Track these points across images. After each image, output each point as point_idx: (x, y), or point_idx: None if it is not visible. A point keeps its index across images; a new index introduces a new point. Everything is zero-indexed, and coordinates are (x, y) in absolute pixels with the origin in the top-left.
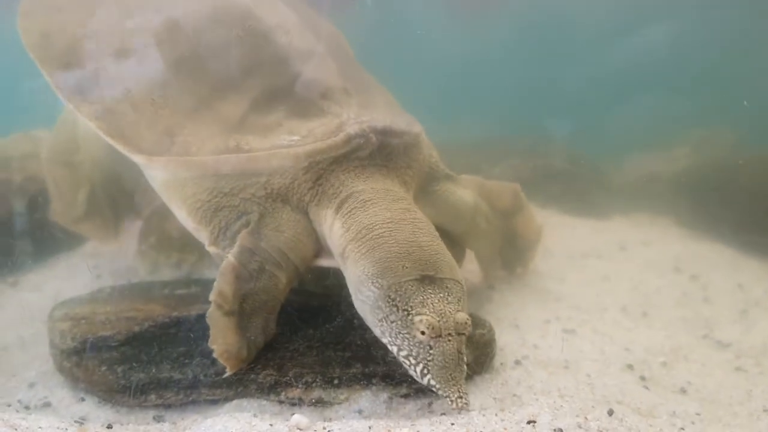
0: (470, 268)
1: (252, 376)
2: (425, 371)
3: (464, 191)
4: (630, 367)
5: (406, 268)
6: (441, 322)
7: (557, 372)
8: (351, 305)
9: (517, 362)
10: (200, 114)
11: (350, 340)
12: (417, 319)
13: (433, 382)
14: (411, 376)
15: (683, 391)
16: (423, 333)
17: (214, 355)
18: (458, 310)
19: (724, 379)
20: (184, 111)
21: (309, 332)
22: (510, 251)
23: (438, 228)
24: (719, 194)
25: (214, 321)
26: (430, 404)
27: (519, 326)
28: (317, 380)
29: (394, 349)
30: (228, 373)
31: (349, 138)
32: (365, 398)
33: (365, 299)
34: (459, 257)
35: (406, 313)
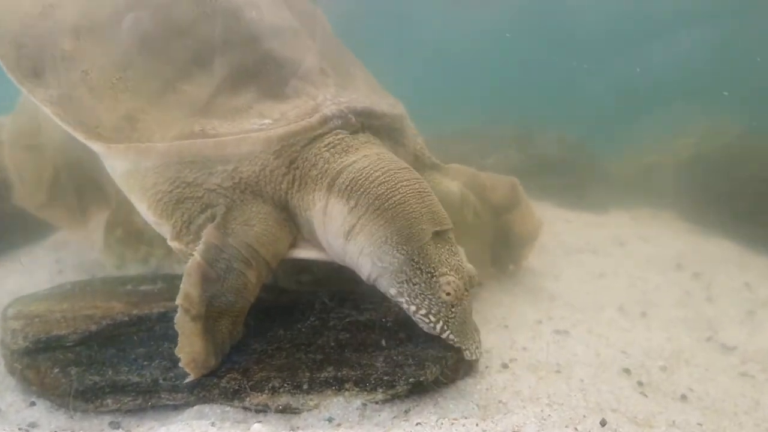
0: None
1: (215, 380)
2: (445, 327)
3: (450, 182)
4: (627, 371)
5: (423, 230)
6: (462, 280)
7: (548, 377)
8: (324, 304)
9: (504, 365)
10: (163, 97)
11: (323, 341)
12: (443, 280)
13: (452, 337)
14: (387, 381)
15: (684, 398)
16: (448, 294)
17: (181, 364)
18: (466, 262)
19: (728, 385)
20: (147, 94)
21: (279, 332)
22: (502, 248)
23: None
24: (725, 186)
25: (181, 326)
26: (406, 412)
27: (508, 326)
28: (285, 385)
29: (412, 309)
30: (190, 378)
31: (325, 119)
32: (336, 405)
33: (387, 266)
34: None
35: (430, 275)
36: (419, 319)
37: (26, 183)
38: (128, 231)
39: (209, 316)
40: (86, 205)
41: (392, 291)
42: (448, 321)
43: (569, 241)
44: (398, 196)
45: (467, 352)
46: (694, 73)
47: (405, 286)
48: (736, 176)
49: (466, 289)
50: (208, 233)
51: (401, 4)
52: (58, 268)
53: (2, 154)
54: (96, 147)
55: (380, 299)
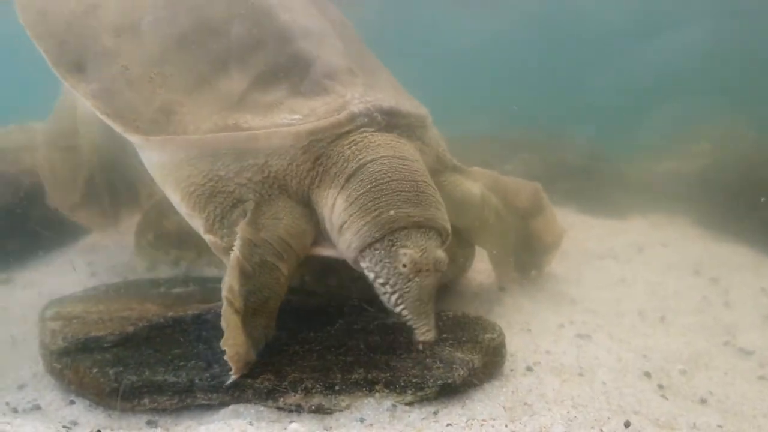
0: (480, 268)
1: (249, 380)
2: (399, 301)
3: (472, 184)
4: (647, 375)
5: (405, 214)
6: (422, 257)
7: (571, 380)
8: (353, 306)
9: (529, 369)
10: (199, 92)
11: (352, 344)
12: (401, 251)
13: (405, 312)
14: (416, 383)
15: (704, 401)
16: (405, 266)
17: (226, 357)
18: (438, 247)
19: (747, 389)
20: (183, 88)
21: (309, 335)
22: (525, 253)
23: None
24: (741, 192)
25: (227, 319)
26: (435, 413)
27: (531, 331)
28: (317, 386)
29: (371, 275)
30: (233, 377)
31: (353, 116)
32: (367, 405)
33: (359, 236)
34: (468, 255)
35: (390, 243)
36: (378, 287)
37: (60, 184)
38: (159, 234)
39: (246, 312)
40: (118, 207)
41: (359, 260)
42: (402, 294)
43: (590, 247)
44: (388, 198)
45: (417, 331)
46: (706, 72)
47: (368, 251)
48: (752, 183)
49: (427, 269)
50: (242, 229)
51: (418, 9)
52: (91, 271)
53: (36, 158)
54: (134, 139)
55: None
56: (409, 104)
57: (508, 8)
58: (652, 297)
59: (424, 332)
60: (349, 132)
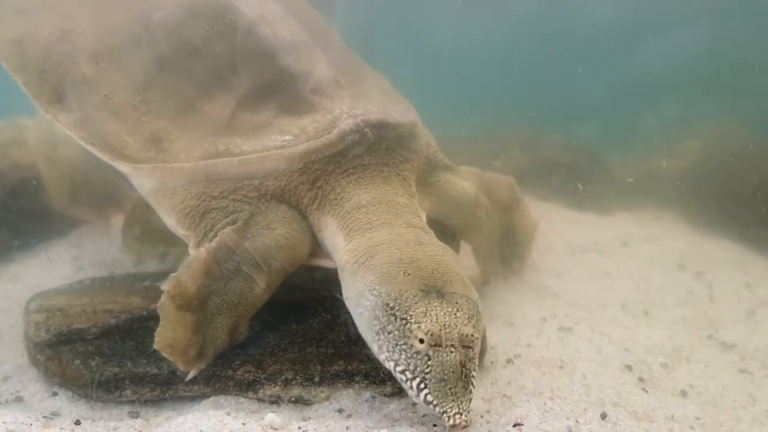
0: (464, 263)
1: (230, 372)
2: (422, 386)
3: (465, 183)
4: (628, 367)
5: (408, 275)
6: (443, 331)
7: (551, 372)
8: (336, 300)
9: (509, 361)
10: (185, 117)
11: (333, 336)
12: (415, 326)
13: (429, 398)
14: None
15: (684, 393)
16: (421, 341)
17: (155, 345)
18: (465, 324)
19: (727, 381)
20: (169, 115)
21: (291, 327)
22: (507, 246)
23: (436, 220)
24: (728, 188)
25: (164, 312)
26: (414, 404)
27: (513, 324)
28: (297, 378)
29: (391, 365)
30: (191, 374)
31: (344, 135)
32: (347, 397)
33: (363, 310)
34: (454, 249)
35: (404, 321)
36: (399, 378)
37: (50, 186)
38: (146, 229)
39: (205, 311)
40: (105, 210)
41: (374, 348)
42: (424, 377)
43: (574, 241)
44: (386, 243)
45: (445, 416)
46: (695, 71)
47: (382, 337)
48: (738, 180)
49: (453, 345)
50: (224, 234)
51: (406, 6)
52: (78, 265)
53: (27, 153)
54: (122, 168)
55: None
56: (397, 112)
57: (502, 7)
58: (635, 290)
59: (452, 415)
60: (341, 152)
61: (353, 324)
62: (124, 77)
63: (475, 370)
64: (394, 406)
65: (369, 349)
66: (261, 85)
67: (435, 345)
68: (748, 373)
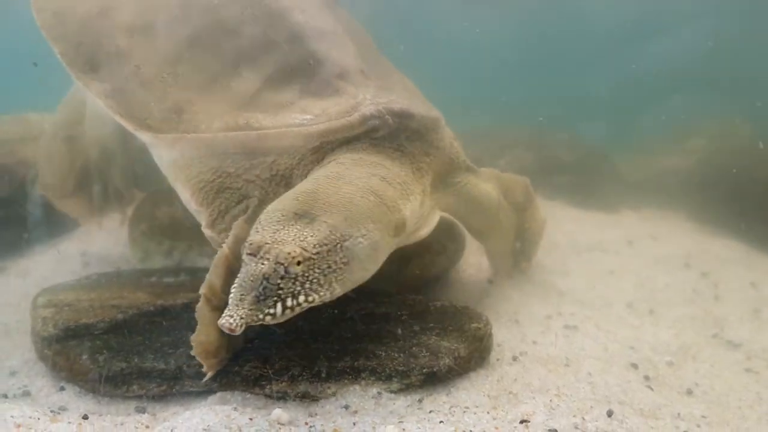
0: (470, 261)
1: (236, 368)
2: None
3: (488, 185)
4: (634, 366)
5: (297, 200)
6: (265, 245)
7: (557, 369)
8: (343, 296)
9: (515, 358)
10: (211, 90)
11: (339, 333)
12: (252, 233)
13: (229, 297)
14: (402, 372)
15: (689, 392)
16: (247, 248)
17: (193, 352)
18: (294, 245)
19: (733, 380)
20: (195, 87)
21: (298, 323)
22: (518, 246)
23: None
24: (733, 187)
25: (201, 316)
26: (420, 401)
27: (519, 321)
28: (304, 374)
29: None
30: (209, 375)
31: (365, 118)
32: (353, 393)
33: None
34: (458, 248)
35: (254, 230)
36: None
37: (56, 171)
38: (152, 225)
39: None
40: (105, 202)
41: None
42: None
43: (580, 240)
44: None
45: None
46: (706, 69)
47: None
48: (743, 179)
49: (267, 259)
50: (237, 226)
51: (416, 4)
52: (85, 261)
53: (34, 146)
54: (145, 137)
55: (396, 293)
56: (422, 107)
57: (509, 4)
58: (641, 289)
59: (225, 316)
60: (358, 135)
61: (361, 320)
62: (155, 50)
63: (290, 291)
64: (400, 402)
65: (376, 346)
66: (288, 67)
67: (250, 254)
68: (753, 372)
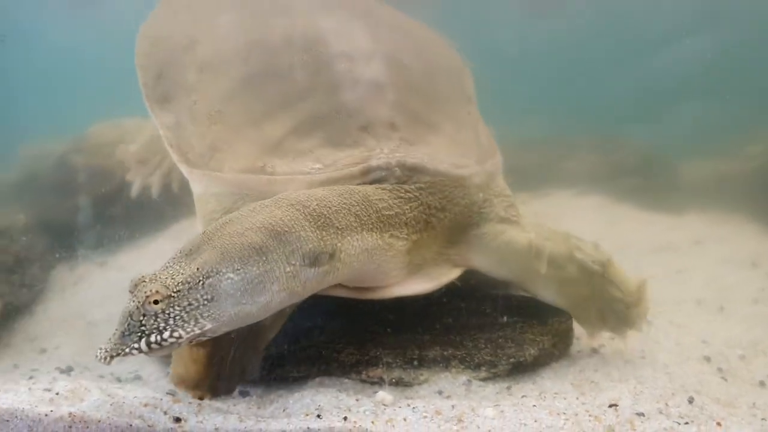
0: None
1: (334, 354)
2: None
3: (517, 233)
4: (707, 359)
5: (204, 235)
6: (140, 284)
7: (634, 361)
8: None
9: (594, 350)
10: (246, 132)
11: (428, 324)
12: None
13: None
14: (489, 361)
15: (762, 384)
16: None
17: (170, 381)
18: (157, 283)
19: None
20: (234, 127)
21: (388, 317)
22: (608, 309)
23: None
24: None
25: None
26: (508, 388)
27: None
28: (397, 361)
29: None
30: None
31: (367, 170)
32: (444, 380)
33: None
34: None
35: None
36: None
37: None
38: None
39: (220, 345)
40: None
41: None
42: None
43: (648, 240)
44: None
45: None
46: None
47: None
48: None
49: (136, 296)
50: None
51: (475, 10)
52: None
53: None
54: (183, 169)
55: (478, 288)
56: (450, 162)
57: (566, 12)
58: (710, 287)
59: (98, 349)
60: (364, 185)
61: (448, 313)
62: (215, 88)
63: (153, 327)
64: (489, 389)
65: (464, 336)
66: (318, 115)
67: (130, 291)
68: None
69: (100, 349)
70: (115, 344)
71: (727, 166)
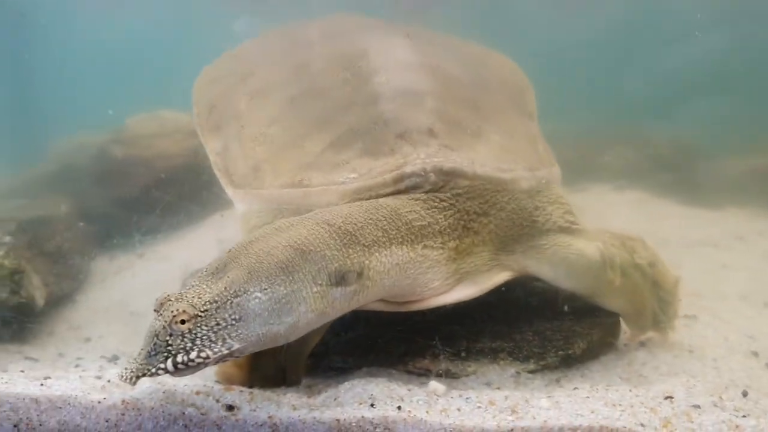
0: None
1: (381, 344)
2: None
3: (585, 244)
4: (755, 354)
5: (229, 251)
6: (165, 302)
7: (682, 355)
8: None
9: (641, 344)
10: (288, 151)
11: (476, 316)
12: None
13: None
14: (538, 353)
15: None
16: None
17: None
18: (185, 302)
19: None
20: (276, 148)
21: (435, 309)
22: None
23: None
24: None
25: None
26: (557, 380)
27: None
28: (445, 352)
29: None
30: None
31: (402, 176)
32: (492, 372)
33: None
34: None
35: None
36: None
37: None
38: None
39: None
40: None
41: None
42: None
43: (689, 235)
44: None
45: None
46: None
47: None
48: None
49: (162, 315)
50: None
51: (515, 7)
52: (222, 248)
53: (170, 144)
54: (228, 192)
55: (525, 280)
56: (494, 166)
57: (602, 8)
58: (753, 283)
59: (123, 370)
60: (395, 192)
61: (494, 307)
62: (261, 113)
63: (179, 348)
64: (538, 381)
65: (512, 329)
66: (357, 128)
67: (155, 311)
68: None
69: (125, 368)
70: (141, 364)
71: (761, 161)
